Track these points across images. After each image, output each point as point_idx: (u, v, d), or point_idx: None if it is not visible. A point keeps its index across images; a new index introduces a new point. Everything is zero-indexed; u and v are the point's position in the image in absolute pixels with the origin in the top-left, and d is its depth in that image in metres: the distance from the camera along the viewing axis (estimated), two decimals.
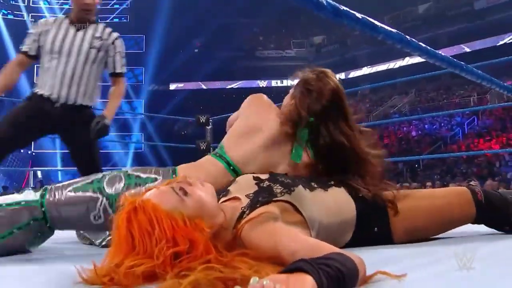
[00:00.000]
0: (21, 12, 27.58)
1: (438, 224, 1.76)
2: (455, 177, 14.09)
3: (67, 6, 27.77)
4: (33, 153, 24.08)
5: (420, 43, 1.30)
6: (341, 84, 1.87)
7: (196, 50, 30.42)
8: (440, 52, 1.36)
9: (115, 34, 3.03)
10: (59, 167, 25.10)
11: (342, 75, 28.05)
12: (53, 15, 27.74)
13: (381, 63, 27.56)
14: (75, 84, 2.86)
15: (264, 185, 1.47)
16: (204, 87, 29.78)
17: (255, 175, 1.57)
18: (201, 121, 7.65)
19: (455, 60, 1.40)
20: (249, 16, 30.62)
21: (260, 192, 1.43)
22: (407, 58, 26.71)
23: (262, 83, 30.62)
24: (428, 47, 1.36)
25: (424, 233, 1.76)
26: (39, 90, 2.83)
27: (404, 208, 1.68)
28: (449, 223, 1.79)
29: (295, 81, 1.97)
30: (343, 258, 0.97)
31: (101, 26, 2.99)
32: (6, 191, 13.87)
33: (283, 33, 31.09)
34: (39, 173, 24.00)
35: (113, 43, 3.00)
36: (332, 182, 1.68)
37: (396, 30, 1.13)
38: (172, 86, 29.71)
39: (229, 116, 2.17)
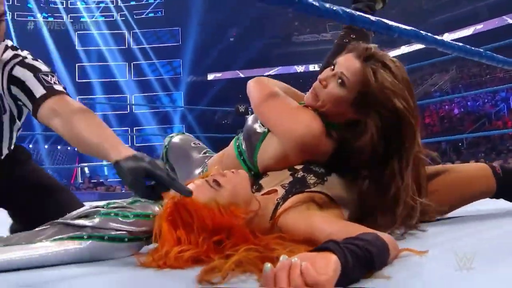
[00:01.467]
0: (60, 14, 28.23)
1: (461, 197, 1.83)
2: (501, 154, 13.80)
3: (103, 5, 28.30)
4: None
5: (436, 37, 1.34)
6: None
7: (232, 40, 30.47)
8: (458, 43, 1.40)
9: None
10: (104, 162, 25.71)
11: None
12: (91, 14, 28.41)
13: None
14: None
15: (299, 176, 1.50)
16: (242, 75, 29.79)
17: (288, 167, 1.58)
18: (241, 110, 7.70)
19: (472, 48, 1.43)
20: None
21: (295, 183, 1.47)
22: (446, 35, 26.11)
23: (300, 68, 30.46)
24: (445, 40, 1.39)
25: (448, 206, 1.80)
26: None
27: (431, 188, 1.68)
28: (471, 197, 1.86)
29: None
30: (373, 238, 1.02)
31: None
32: None
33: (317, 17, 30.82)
34: (86, 169, 24.70)
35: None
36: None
37: (410, 27, 1.18)
38: (210, 77, 29.88)
39: None
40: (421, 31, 1.23)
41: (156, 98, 28.64)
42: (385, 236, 1.09)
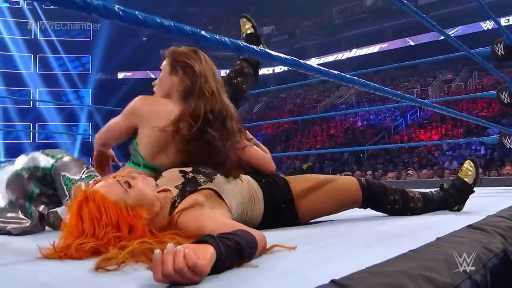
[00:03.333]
0: None
1: (335, 204, 2.12)
2: (397, 166, 14.64)
3: None
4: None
5: (316, 66, 1.46)
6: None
7: (144, 39, 30.02)
8: (334, 72, 1.54)
9: None
10: (1, 158, 24.40)
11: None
12: None
13: (330, 54, 28.03)
14: None
15: (189, 177, 1.72)
16: (152, 76, 29.37)
17: (180, 168, 1.80)
18: None
19: (347, 76, 1.58)
20: (198, 5, 30.50)
21: (187, 183, 1.69)
22: (354, 50, 27.30)
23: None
24: (322, 68, 1.52)
25: (322, 212, 2.13)
26: None
27: (304, 188, 2.05)
28: (343, 205, 2.15)
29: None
30: (244, 233, 1.23)
31: None
32: None
33: (232, 22, 31.08)
34: None
35: None
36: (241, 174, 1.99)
37: (290, 57, 1.30)
38: (120, 75, 29.25)
39: None
40: (301, 61, 1.35)
41: (62, 94, 27.60)
42: (255, 232, 1.29)
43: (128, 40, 27.99)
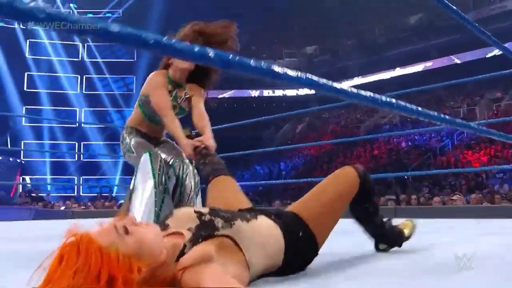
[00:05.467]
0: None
1: (341, 207, 1.96)
2: (443, 189, 14.04)
3: None
4: (22, 161, 23.85)
5: (331, 84, 1.21)
6: None
7: None
8: (361, 92, 1.28)
9: None
10: (48, 177, 24.92)
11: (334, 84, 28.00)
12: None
13: (373, 74, 27.59)
14: None
15: (205, 219, 1.50)
16: None
17: (196, 208, 1.58)
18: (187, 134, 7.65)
19: (382, 99, 1.32)
20: (240, 25, 30.63)
21: (202, 226, 1.46)
22: (397, 69, 26.77)
23: (254, 93, 30.60)
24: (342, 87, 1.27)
25: (334, 222, 1.93)
26: None
27: (310, 209, 1.87)
28: (346, 201, 2.00)
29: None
30: None
31: None
32: None
33: (275, 42, 31.12)
34: (28, 180, 23.86)
35: None
36: (254, 212, 1.77)
37: (296, 73, 1.07)
38: None
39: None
40: (312, 77, 1.11)
41: (106, 114, 28.07)
42: None
43: None
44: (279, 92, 30.63)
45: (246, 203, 1.99)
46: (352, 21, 28.41)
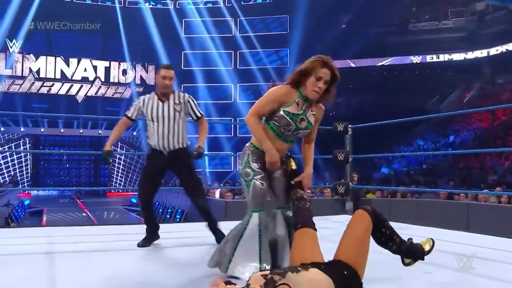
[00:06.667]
0: (166, 1, 28.27)
1: (364, 244, 2.48)
2: None
3: None
4: None
5: None
6: None
7: (343, 26, 28.76)
8: None
9: (187, 95, 4.57)
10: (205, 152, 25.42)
11: (510, 46, 24.55)
12: (196, 1, 28.06)
13: None
14: (171, 137, 4.44)
15: (268, 277, 2.07)
16: (353, 65, 28.06)
17: (261, 273, 2.13)
18: (339, 129, 7.10)
19: None
20: None
21: (268, 283, 2.03)
22: None
23: (416, 59, 28.08)
24: None
25: (365, 254, 2.47)
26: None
27: (350, 253, 2.41)
28: (366, 237, 2.52)
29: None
30: None
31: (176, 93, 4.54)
32: None
33: (439, 2, 28.02)
34: None
35: (187, 101, 4.54)
36: (310, 265, 2.34)
37: None
38: None
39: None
40: None
41: (260, 89, 27.79)
42: None
43: (325, 29, 27.03)
44: (443, 57, 27.63)
45: (318, 257, 2.50)
46: None
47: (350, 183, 7.02)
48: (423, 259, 2.80)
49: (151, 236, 4.46)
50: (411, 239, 2.82)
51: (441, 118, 23.27)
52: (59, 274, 3.27)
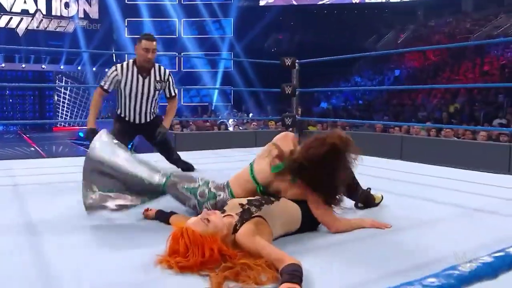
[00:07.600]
0: None
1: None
2: None
3: None
4: None
5: None
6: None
7: None
8: None
9: (168, 72, 4.42)
10: None
11: None
12: None
13: None
14: (146, 112, 4.41)
15: (245, 208, 2.34)
16: (295, 3, 28.57)
17: (239, 201, 2.45)
18: (287, 64, 7.28)
19: None
20: None
21: (244, 212, 2.31)
22: None
23: None
24: None
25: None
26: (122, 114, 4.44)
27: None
28: None
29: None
30: (298, 266, 1.84)
31: (157, 67, 4.35)
32: None
33: None
34: None
35: (167, 80, 4.38)
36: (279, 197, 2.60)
37: None
38: (262, 2, 28.67)
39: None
40: None
41: (204, 24, 27.93)
42: (293, 260, 1.90)
43: None
44: None
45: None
46: None
47: (296, 116, 7.29)
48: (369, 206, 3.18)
49: None
50: (369, 188, 3.19)
51: (377, 56, 24.69)
52: (31, 205, 3.25)
